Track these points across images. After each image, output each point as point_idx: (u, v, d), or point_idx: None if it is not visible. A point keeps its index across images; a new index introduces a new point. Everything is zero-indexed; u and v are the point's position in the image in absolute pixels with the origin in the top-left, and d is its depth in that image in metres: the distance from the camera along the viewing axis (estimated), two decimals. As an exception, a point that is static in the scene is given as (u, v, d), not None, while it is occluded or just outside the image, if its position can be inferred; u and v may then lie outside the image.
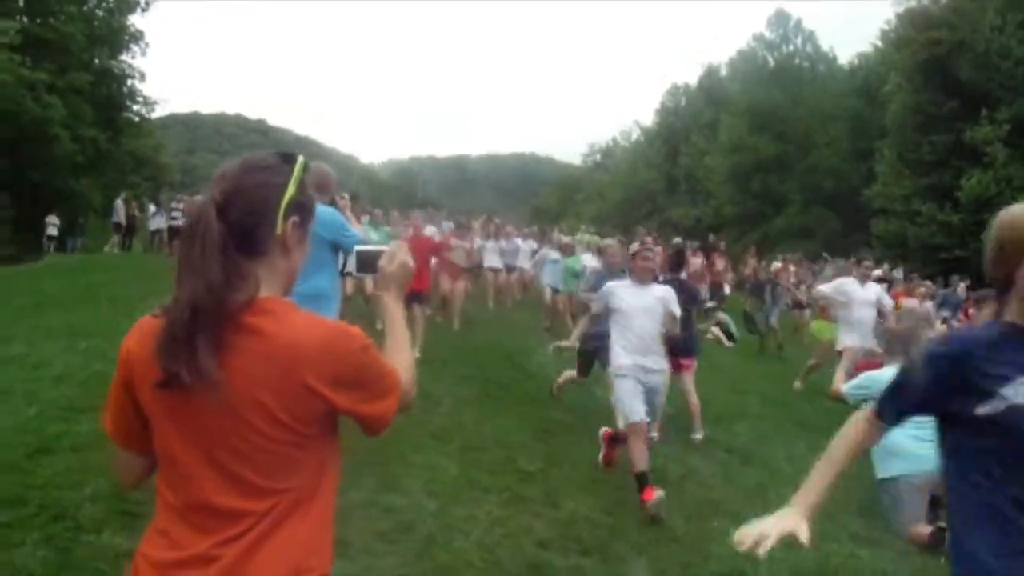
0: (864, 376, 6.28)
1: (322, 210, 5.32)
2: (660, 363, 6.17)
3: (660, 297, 6.15)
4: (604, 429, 6.52)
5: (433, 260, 11.41)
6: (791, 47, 53.09)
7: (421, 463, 5.90)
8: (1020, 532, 1.82)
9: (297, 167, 1.70)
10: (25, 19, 30.21)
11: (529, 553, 4.52)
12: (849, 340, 9.61)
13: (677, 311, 6.18)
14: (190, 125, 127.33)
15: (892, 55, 39.07)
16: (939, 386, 1.95)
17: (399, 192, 59.98)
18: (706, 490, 6.08)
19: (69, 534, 4.04)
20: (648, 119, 71.63)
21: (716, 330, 14.94)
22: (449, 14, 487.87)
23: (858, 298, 9.86)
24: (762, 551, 2.00)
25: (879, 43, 45.49)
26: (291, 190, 1.66)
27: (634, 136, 75.41)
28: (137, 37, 36.64)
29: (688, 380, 7.85)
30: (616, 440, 6.35)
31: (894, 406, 2.12)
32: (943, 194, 31.93)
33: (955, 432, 1.98)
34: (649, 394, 5.95)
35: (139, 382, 1.58)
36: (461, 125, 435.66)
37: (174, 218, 23.32)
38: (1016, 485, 1.84)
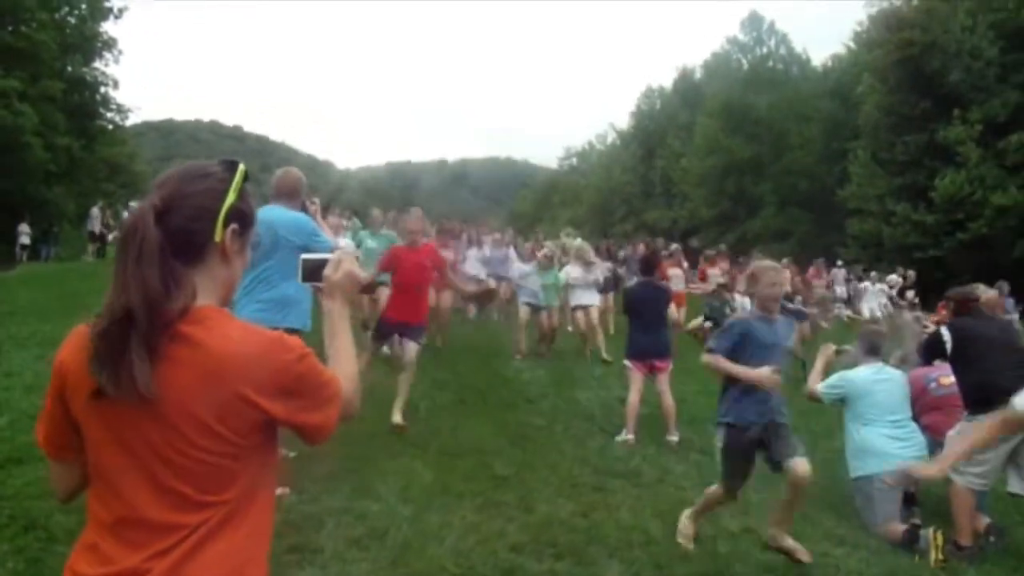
0: (838, 376, 6.32)
1: (291, 215, 5.33)
2: None
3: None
4: None
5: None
6: (765, 49, 53.48)
7: (396, 469, 5.89)
8: None
9: (238, 174, 1.68)
10: (-4, 27, 29.93)
11: (503, 558, 4.50)
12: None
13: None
14: (164, 132, 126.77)
15: (865, 56, 39.38)
16: None
17: (373, 197, 59.73)
18: (681, 491, 6.06)
19: (40, 544, 4.01)
20: (623, 122, 71.87)
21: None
22: (423, 19, 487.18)
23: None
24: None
25: (852, 44, 45.89)
26: (231, 197, 1.64)
27: (609, 139, 75.61)
28: (110, 44, 36.40)
29: (663, 382, 7.85)
30: None
31: None
32: (917, 194, 32.21)
33: None
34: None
35: (72, 392, 1.55)
36: (436, 130, 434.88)
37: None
38: None
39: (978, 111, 30.40)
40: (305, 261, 2.04)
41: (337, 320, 1.92)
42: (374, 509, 5.02)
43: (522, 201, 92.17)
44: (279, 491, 5.04)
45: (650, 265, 8.71)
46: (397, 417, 7.04)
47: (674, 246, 14.40)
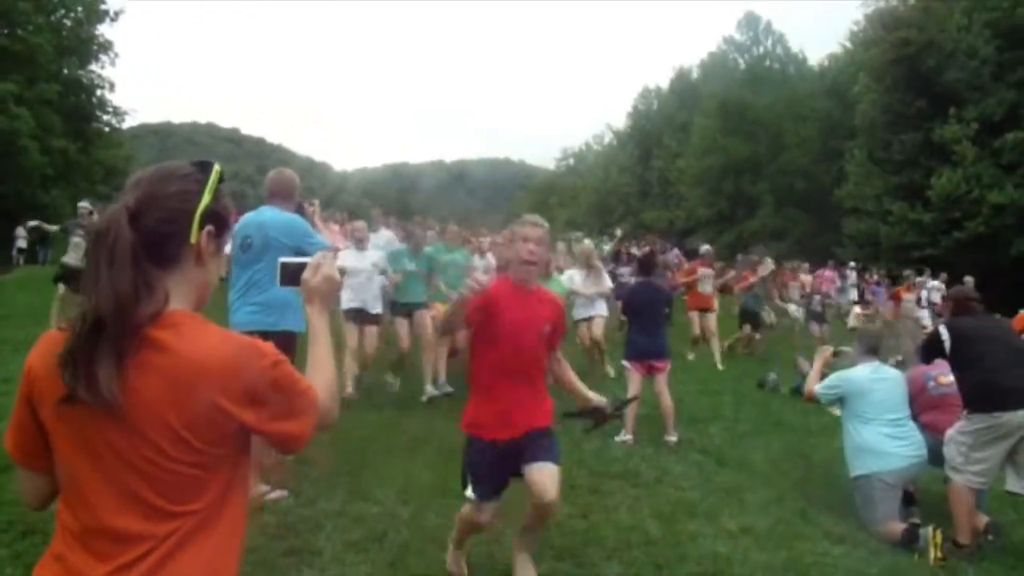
0: (836, 376, 6.31)
1: (284, 216, 5.29)
2: None
3: None
4: None
5: None
6: (761, 49, 53.56)
7: (394, 471, 5.86)
8: None
9: (213, 176, 1.64)
10: (-8, 31, 29.92)
11: (503, 560, 4.49)
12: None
13: None
14: (162, 135, 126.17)
15: (861, 55, 39.45)
16: None
17: (372, 199, 59.76)
18: (681, 492, 6.05)
19: (38, 550, 3.96)
20: (620, 122, 71.94)
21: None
22: (420, 21, 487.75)
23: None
24: None
25: (848, 44, 45.94)
26: (206, 198, 1.60)
27: (607, 139, 75.70)
28: (106, 47, 36.51)
29: (662, 382, 7.83)
30: None
31: None
32: (913, 193, 32.26)
33: None
34: None
35: (40, 398, 1.52)
36: (433, 131, 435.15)
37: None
38: None
39: (974, 110, 30.46)
40: (283, 265, 2.02)
41: (316, 325, 1.89)
42: (372, 511, 5.00)
43: (520, 203, 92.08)
44: (277, 494, 5.05)
45: (649, 265, 8.69)
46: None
47: (705, 247, 14.15)
